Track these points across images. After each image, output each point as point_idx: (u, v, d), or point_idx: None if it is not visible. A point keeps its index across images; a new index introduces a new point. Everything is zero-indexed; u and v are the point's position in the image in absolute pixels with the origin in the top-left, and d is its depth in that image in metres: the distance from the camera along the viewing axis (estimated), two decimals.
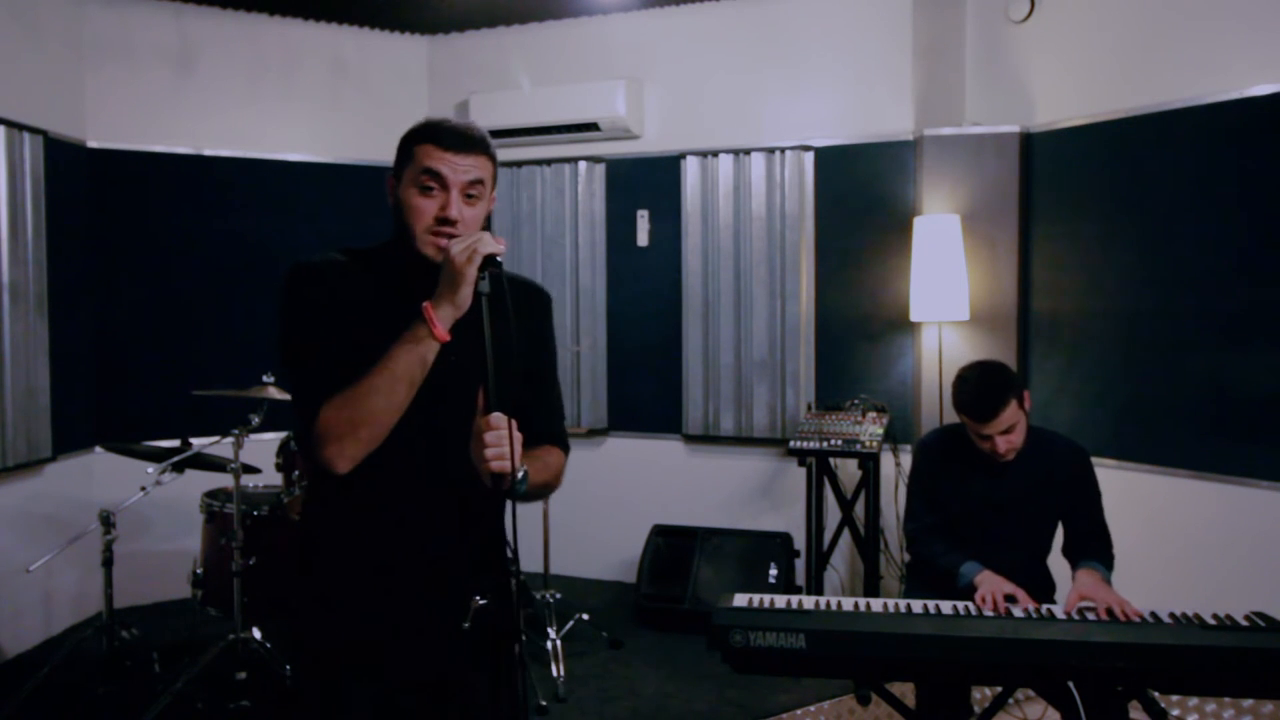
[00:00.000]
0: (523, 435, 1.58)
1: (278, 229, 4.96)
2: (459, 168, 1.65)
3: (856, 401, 4.33)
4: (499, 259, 1.59)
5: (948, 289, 4.19)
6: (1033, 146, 4.30)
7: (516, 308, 1.65)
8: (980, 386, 2.69)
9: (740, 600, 2.44)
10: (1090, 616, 2.40)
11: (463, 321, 1.60)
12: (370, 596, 1.69)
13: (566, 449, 1.87)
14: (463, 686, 1.76)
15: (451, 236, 1.64)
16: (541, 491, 1.78)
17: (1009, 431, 2.69)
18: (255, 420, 3.51)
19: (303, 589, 1.76)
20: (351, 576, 1.70)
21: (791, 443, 4.10)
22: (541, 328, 1.86)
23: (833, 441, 4.03)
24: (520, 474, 1.57)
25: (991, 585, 2.58)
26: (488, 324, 1.58)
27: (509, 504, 1.58)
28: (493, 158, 1.73)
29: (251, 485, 3.87)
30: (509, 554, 1.70)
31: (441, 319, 1.57)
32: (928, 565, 2.87)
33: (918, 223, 4.34)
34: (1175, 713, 3.32)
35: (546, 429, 1.82)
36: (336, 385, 1.58)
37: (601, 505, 5.10)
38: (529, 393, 1.78)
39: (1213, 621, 2.30)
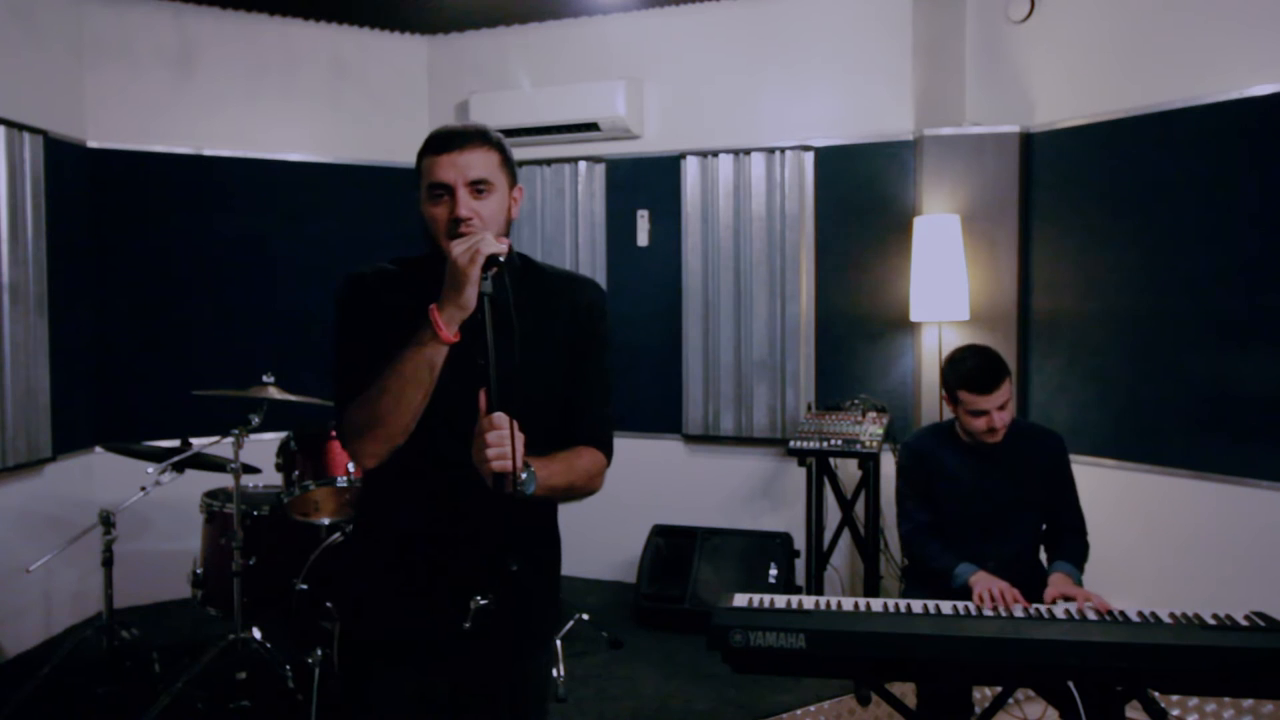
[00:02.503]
0: (525, 435, 1.57)
1: (278, 229, 4.96)
2: (456, 166, 1.66)
3: (856, 401, 4.33)
4: (502, 259, 1.60)
5: (948, 289, 4.18)
6: (1032, 146, 4.30)
7: (563, 302, 1.75)
8: (982, 360, 2.83)
9: (740, 600, 2.44)
10: (1090, 615, 2.40)
11: (476, 323, 1.60)
12: (403, 587, 1.74)
13: (607, 450, 1.83)
14: (491, 680, 1.78)
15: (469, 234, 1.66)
16: (566, 494, 1.76)
17: (1003, 408, 2.80)
18: (255, 420, 3.50)
19: (352, 575, 1.86)
20: (387, 567, 1.75)
21: (791, 443, 4.09)
22: (589, 323, 1.82)
23: (833, 441, 4.03)
24: (524, 475, 1.57)
25: (986, 583, 2.63)
26: (489, 324, 1.58)
27: (506, 505, 1.58)
28: (496, 146, 1.72)
29: (251, 485, 3.87)
30: (511, 567, 1.69)
31: (447, 321, 1.58)
32: (921, 565, 2.90)
33: (918, 223, 4.34)
34: (1175, 713, 3.32)
35: (584, 430, 1.80)
36: (361, 387, 1.64)
37: (601, 505, 5.01)
38: (570, 392, 1.78)
39: (1213, 621, 2.29)
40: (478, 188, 1.68)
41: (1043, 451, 2.93)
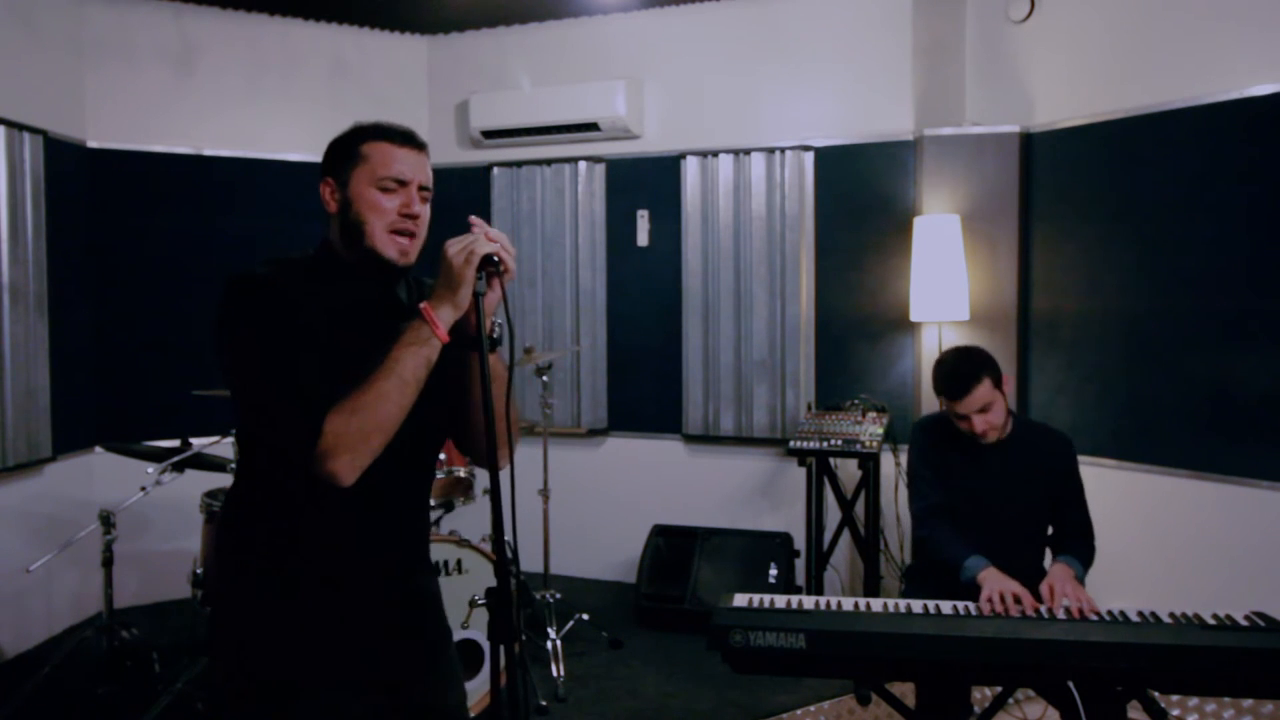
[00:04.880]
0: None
1: (278, 229, 4.95)
2: (417, 166, 1.68)
3: (856, 401, 4.33)
4: (496, 259, 1.60)
5: (948, 289, 4.19)
6: (1032, 146, 4.30)
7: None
8: (954, 364, 2.80)
9: (740, 600, 2.44)
10: (1092, 617, 2.40)
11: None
12: (324, 603, 1.64)
13: None
14: (423, 691, 1.77)
15: (412, 234, 1.66)
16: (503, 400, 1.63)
17: (985, 410, 2.75)
18: None
19: (245, 603, 1.66)
20: (302, 586, 1.64)
21: (791, 443, 4.09)
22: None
23: (833, 441, 4.03)
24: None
25: (996, 585, 2.55)
26: (485, 324, 1.59)
27: (505, 506, 1.57)
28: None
29: None
30: (509, 554, 1.69)
31: (442, 320, 1.58)
32: (932, 551, 2.84)
33: (918, 223, 4.34)
34: (1175, 713, 3.32)
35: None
36: (336, 396, 1.52)
37: (601, 505, 5.10)
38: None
39: (1213, 621, 2.30)
40: (424, 194, 1.69)
41: (1049, 454, 2.86)
